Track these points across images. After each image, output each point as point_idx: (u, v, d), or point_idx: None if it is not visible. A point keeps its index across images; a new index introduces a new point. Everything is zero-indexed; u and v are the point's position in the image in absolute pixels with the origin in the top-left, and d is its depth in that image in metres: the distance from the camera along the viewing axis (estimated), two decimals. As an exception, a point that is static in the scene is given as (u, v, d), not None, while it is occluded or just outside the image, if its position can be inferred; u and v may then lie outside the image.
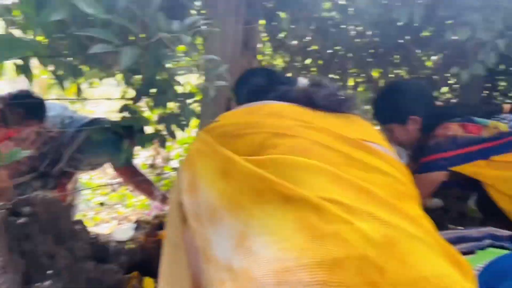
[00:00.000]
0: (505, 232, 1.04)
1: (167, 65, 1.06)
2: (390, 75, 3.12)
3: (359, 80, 3.03)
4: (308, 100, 0.91)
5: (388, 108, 1.63)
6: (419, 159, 1.56)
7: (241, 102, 1.10)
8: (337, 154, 0.75)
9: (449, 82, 3.14)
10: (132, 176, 1.98)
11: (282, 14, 2.35)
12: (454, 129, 1.47)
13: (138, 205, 2.71)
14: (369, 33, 2.73)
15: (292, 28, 2.42)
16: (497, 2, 1.69)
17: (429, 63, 3.11)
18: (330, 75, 2.89)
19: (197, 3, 2.45)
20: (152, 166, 2.39)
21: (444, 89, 3.22)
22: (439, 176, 1.50)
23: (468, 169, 1.44)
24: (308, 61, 2.79)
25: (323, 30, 2.52)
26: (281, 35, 2.62)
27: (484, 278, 0.62)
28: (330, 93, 0.93)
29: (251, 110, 0.91)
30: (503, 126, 1.44)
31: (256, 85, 1.10)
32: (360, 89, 3.02)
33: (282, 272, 0.56)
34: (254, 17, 1.85)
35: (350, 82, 3.01)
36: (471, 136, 1.44)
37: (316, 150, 0.75)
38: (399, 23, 2.13)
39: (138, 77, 1.40)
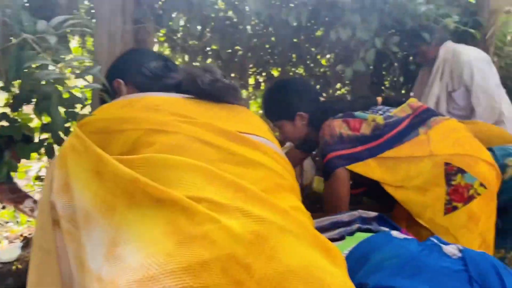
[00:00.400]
0: (372, 214, 1.12)
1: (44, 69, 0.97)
2: (290, 73, 3.25)
3: (260, 79, 3.11)
4: (192, 84, 0.87)
5: (276, 106, 1.70)
6: (321, 158, 1.62)
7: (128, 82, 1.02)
8: (215, 150, 0.74)
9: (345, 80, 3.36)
10: (7, 193, 1.79)
11: (180, 14, 2.32)
12: (338, 125, 1.55)
13: (32, 221, 2.48)
14: (267, 32, 2.81)
15: (189, 28, 2.40)
16: (373, 4, 1.85)
17: (323, 61, 3.30)
18: (232, 74, 2.93)
19: (87, 3, 2.32)
20: (38, 178, 2.20)
21: (338, 85, 3.44)
22: (342, 174, 1.53)
23: (359, 168, 1.51)
24: (208, 61, 2.79)
25: (220, 30, 2.54)
26: (178, 35, 2.59)
27: (348, 264, 0.66)
28: (216, 78, 0.89)
29: (127, 103, 0.84)
30: (379, 118, 1.56)
31: (143, 69, 1.02)
32: (262, 87, 3.10)
33: (146, 281, 0.53)
34: (143, 16, 1.80)
35: (251, 81, 3.08)
36: (356, 135, 1.53)
37: (193, 146, 0.73)
38: (294, 24, 2.25)
39: (17, 82, 1.28)
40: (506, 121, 2.48)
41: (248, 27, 2.71)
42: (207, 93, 0.87)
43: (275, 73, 3.12)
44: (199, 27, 2.56)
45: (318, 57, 3.15)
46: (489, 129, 2.12)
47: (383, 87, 3.46)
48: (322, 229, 1.04)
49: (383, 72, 3.34)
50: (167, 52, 2.72)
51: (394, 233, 0.92)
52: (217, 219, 0.61)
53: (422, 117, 1.63)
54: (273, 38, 2.83)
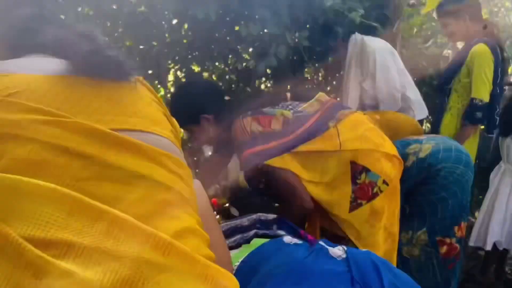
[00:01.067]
0: (271, 216, 1.09)
1: None
2: (211, 69, 3.18)
3: (180, 75, 3.00)
4: (63, 54, 0.65)
5: (179, 111, 1.58)
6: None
7: None
8: (86, 164, 0.56)
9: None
10: None
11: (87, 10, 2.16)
12: (248, 123, 1.51)
13: None
14: (182, 27, 2.70)
15: (98, 24, 2.24)
16: (283, -2, 1.82)
17: (247, 56, 3.26)
18: (149, 71, 2.79)
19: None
20: None
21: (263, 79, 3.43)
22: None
23: (277, 162, 1.48)
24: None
25: (133, 26, 2.40)
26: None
27: (239, 277, 0.60)
28: (95, 48, 0.65)
29: None
30: (288, 113, 1.55)
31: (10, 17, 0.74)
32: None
33: None
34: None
35: (171, 77, 2.96)
36: (267, 131, 1.50)
37: (55, 161, 0.54)
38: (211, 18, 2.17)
39: None
40: (413, 106, 2.61)
41: (164, 23, 2.59)
42: (83, 67, 0.64)
43: (196, 68, 3.02)
44: (108, 23, 2.40)
45: (241, 51, 3.10)
46: (397, 118, 2.21)
47: (305, 82, 3.50)
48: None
49: (305, 67, 3.39)
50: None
51: (286, 239, 0.89)
52: (71, 271, 0.46)
53: (332, 111, 1.64)
54: (190, 33, 2.73)
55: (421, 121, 2.67)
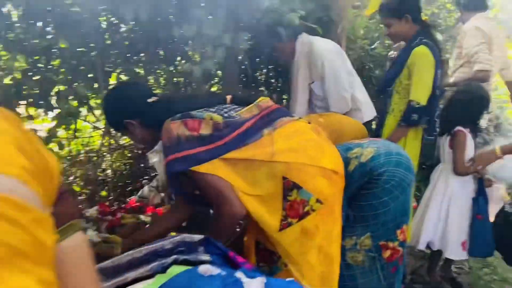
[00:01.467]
0: (197, 237, 0.99)
1: None
2: (158, 71, 3.03)
3: (123, 78, 2.83)
4: None
5: (107, 118, 1.63)
6: None
7: None
8: None
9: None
10: None
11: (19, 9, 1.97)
12: (175, 127, 1.41)
13: None
14: (119, 29, 2.54)
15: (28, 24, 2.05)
16: (220, -1, 1.72)
17: (197, 58, 3.13)
18: (90, 75, 2.60)
19: None
20: None
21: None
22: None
23: (204, 168, 1.39)
24: (56, 61, 2.43)
25: (67, 27, 2.21)
26: (13, 33, 2.20)
27: None
28: None
29: None
30: (217, 117, 1.45)
31: None
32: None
33: None
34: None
35: (113, 79, 2.78)
36: (194, 136, 1.40)
37: None
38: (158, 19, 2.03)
39: None
40: (362, 107, 2.59)
41: (104, 24, 2.42)
42: None
43: (141, 71, 2.87)
44: (39, 24, 2.21)
45: (190, 53, 2.97)
46: (341, 121, 2.18)
47: (255, 84, 3.42)
48: (137, 263, 0.88)
49: (256, 69, 3.30)
50: (2, 53, 2.30)
51: (202, 269, 0.79)
52: None
53: (270, 118, 1.56)
54: (132, 35, 2.57)
55: (370, 122, 2.67)
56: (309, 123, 1.66)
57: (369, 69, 3.20)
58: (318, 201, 1.44)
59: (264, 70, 3.39)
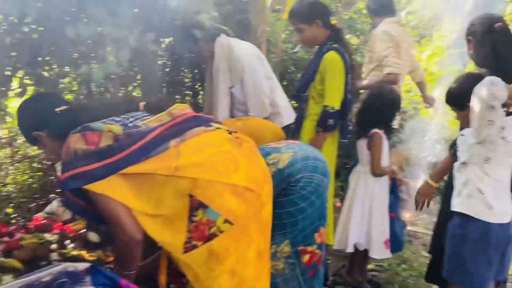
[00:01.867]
0: (82, 266, 0.86)
1: None
2: (71, 74, 2.77)
3: (28, 82, 2.54)
4: None
5: (21, 130, 1.61)
6: None
7: None
8: None
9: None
10: None
11: None
12: (74, 140, 1.27)
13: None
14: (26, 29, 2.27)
15: None
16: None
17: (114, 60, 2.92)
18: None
19: None
20: None
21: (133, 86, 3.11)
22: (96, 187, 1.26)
23: (99, 186, 1.25)
24: None
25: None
26: None
27: None
28: None
29: None
30: (116, 128, 1.31)
31: None
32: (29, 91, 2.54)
33: None
34: None
35: (16, 85, 2.48)
36: (92, 150, 1.27)
37: None
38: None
39: None
40: (282, 111, 2.57)
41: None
42: None
43: (46, 74, 2.58)
44: None
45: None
46: (259, 125, 2.12)
47: (180, 88, 3.27)
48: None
49: (180, 72, 3.16)
50: None
51: None
52: None
53: (181, 127, 1.41)
54: (35, 36, 2.31)
55: (289, 125, 2.65)
56: (229, 132, 1.53)
57: (291, 73, 3.20)
58: (226, 221, 1.32)
59: (189, 74, 3.27)
